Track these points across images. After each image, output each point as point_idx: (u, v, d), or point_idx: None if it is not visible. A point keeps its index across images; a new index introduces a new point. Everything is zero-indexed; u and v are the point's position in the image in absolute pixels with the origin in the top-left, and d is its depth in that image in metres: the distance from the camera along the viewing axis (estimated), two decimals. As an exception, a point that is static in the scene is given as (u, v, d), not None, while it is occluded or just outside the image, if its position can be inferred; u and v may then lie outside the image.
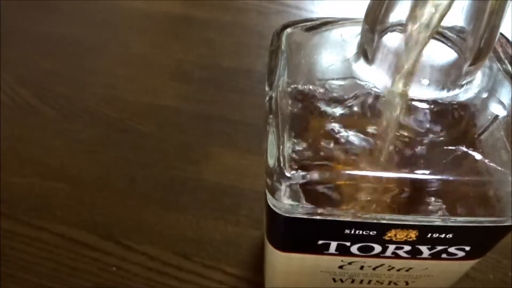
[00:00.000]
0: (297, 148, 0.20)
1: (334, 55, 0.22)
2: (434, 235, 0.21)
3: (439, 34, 0.20)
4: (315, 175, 0.19)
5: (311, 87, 0.21)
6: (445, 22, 0.18)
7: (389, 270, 0.25)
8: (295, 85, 0.21)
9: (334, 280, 0.26)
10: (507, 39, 0.23)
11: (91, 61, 0.51)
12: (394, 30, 0.19)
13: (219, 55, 0.52)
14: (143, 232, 0.38)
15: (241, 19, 0.55)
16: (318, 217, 0.21)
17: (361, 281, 0.26)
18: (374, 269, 0.25)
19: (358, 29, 0.22)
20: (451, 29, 0.19)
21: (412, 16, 0.17)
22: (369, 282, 0.26)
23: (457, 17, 0.19)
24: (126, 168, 0.42)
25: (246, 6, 0.56)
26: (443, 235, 0.21)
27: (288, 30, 0.24)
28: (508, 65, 0.22)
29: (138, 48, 0.53)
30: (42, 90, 0.48)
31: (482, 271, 0.35)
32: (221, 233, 0.38)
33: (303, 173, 0.19)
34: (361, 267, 0.25)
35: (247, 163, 0.42)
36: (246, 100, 0.47)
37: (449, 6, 0.17)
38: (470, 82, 0.20)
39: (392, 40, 0.19)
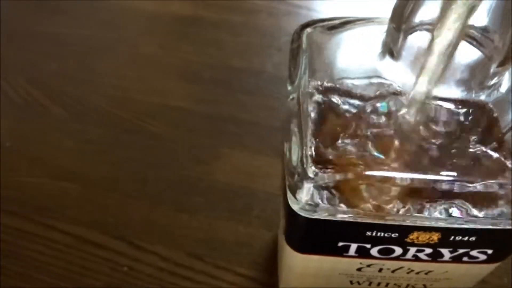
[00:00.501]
0: (320, 148, 0.19)
1: (356, 55, 0.22)
2: (456, 238, 0.21)
3: (468, 36, 0.19)
4: (338, 176, 0.19)
5: (334, 86, 0.21)
6: (470, 21, 0.18)
7: (408, 273, 0.25)
8: (318, 85, 0.21)
9: (351, 282, 0.26)
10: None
11: (100, 61, 0.51)
12: (420, 30, 0.19)
13: (229, 55, 0.51)
14: (154, 233, 0.38)
15: (251, 19, 0.55)
16: (339, 219, 0.20)
17: (379, 284, 0.26)
18: (393, 271, 0.25)
19: (379, 28, 0.22)
20: (476, 28, 0.19)
21: (442, 16, 0.17)
22: (387, 285, 0.26)
23: (481, 16, 0.18)
24: (137, 168, 0.42)
25: (256, 7, 0.56)
26: (466, 238, 0.21)
27: (308, 29, 0.23)
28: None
29: (147, 49, 0.53)
30: (52, 91, 0.48)
31: (497, 275, 0.35)
32: (232, 234, 0.38)
33: (326, 173, 0.19)
34: (380, 270, 0.24)
35: (258, 163, 0.42)
36: (256, 101, 0.47)
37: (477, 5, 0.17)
38: (498, 83, 0.20)
39: (418, 40, 0.19)
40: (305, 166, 0.19)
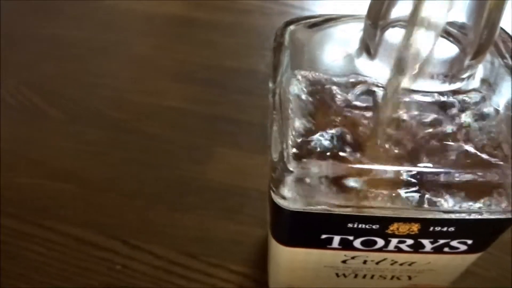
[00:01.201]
0: (301, 142, 0.20)
1: (336, 51, 0.23)
2: (436, 228, 0.21)
3: (444, 31, 0.20)
4: (318, 169, 0.20)
5: (314, 82, 0.21)
6: (447, 18, 0.19)
7: (392, 264, 0.25)
8: (299, 81, 0.22)
9: (337, 275, 0.27)
10: (509, 35, 0.24)
11: (95, 63, 0.52)
12: (396, 26, 0.20)
13: (222, 55, 0.52)
14: (150, 232, 0.38)
15: (244, 20, 0.56)
16: (320, 211, 0.21)
17: (364, 276, 0.27)
18: (377, 263, 0.25)
19: (360, 25, 0.22)
20: (453, 24, 0.20)
21: (417, 13, 0.18)
22: (372, 277, 0.27)
23: (458, 13, 0.19)
24: (133, 169, 0.43)
25: (249, 7, 0.57)
26: (445, 229, 0.21)
27: (291, 27, 0.24)
28: (509, 60, 0.22)
29: (141, 50, 0.53)
30: (48, 93, 0.49)
31: (485, 268, 0.35)
32: (226, 232, 0.38)
33: (307, 166, 0.20)
34: (364, 262, 0.25)
35: (252, 162, 0.42)
36: (250, 100, 0.47)
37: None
38: (472, 76, 0.21)
39: (394, 36, 0.20)
40: (285, 160, 0.20)
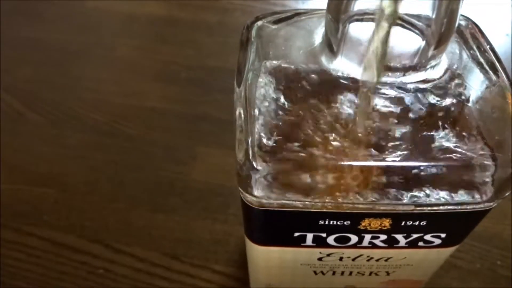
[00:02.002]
0: (266, 139, 0.20)
1: (302, 46, 0.22)
2: (407, 223, 0.21)
3: (408, 23, 0.20)
4: (284, 166, 0.19)
5: (279, 78, 0.21)
6: (415, 11, 0.18)
7: (368, 260, 0.25)
8: (264, 77, 0.21)
9: (315, 272, 0.26)
10: (477, 26, 0.23)
11: (75, 66, 0.51)
12: (359, 20, 0.19)
13: (204, 55, 0.52)
14: (131, 234, 0.38)
15: (226, 19, 0.55)
16: (289, 209, 0.21)
17: (342, 273, 0.26)
18: (353, 260, 0.25)
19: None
20: (418, 18, 0.19)
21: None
22: (350, 273, 0.26)
23: (426, 7, 0.19)
24: (114, 171, 0.42)
25: (230, 6, 0.57)
26: (416, 223, 0.21)
27: (259, 23, 0.24)
28: (477, 51, 0.22)
29: (123, 51, 0.53)
30: (28, 97, 0.48)
31: (469, 260, 0.35)
32: (209, 232, 0.38)
33: (272, 164, 0.19)
34: (340, 259, 0.25)
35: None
36: (232, 99, 0.47)
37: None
38: (435, 66, 0.20)
39: (357, 29, 0.19)
40: (251, 158, 0.19)
